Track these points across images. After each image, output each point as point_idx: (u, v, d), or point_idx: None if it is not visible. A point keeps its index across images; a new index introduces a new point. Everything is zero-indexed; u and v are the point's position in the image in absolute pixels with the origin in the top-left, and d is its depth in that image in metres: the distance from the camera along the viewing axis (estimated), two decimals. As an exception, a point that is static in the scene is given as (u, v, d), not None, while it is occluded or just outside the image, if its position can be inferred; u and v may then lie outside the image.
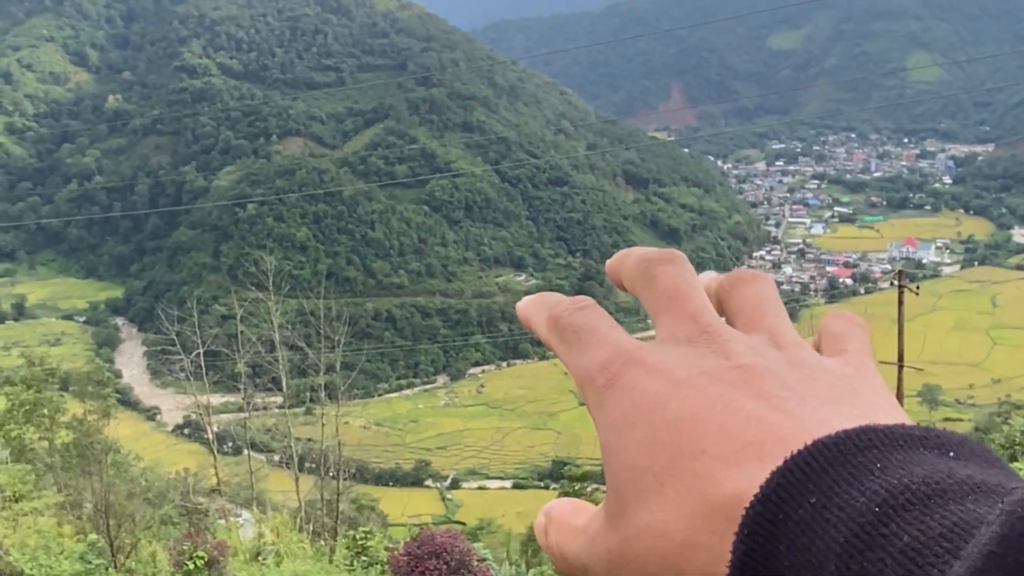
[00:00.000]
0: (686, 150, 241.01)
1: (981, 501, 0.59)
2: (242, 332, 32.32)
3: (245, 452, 38.86)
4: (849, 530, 0.58)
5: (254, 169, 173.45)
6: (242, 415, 37.42)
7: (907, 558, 0.56)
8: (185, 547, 16.52)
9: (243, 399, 35.89)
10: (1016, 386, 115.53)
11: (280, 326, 30.63)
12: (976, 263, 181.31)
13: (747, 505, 0.63)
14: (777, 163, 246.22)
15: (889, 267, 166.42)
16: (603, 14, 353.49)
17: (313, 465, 38.04)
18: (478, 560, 12.13)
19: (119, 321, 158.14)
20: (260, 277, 33.17)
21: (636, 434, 0.70)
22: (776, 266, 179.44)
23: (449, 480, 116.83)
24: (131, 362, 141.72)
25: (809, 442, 0.63)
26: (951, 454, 0.63)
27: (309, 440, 45.25)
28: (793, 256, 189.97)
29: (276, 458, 59.17)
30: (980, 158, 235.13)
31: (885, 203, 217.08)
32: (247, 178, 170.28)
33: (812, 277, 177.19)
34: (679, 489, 0.66)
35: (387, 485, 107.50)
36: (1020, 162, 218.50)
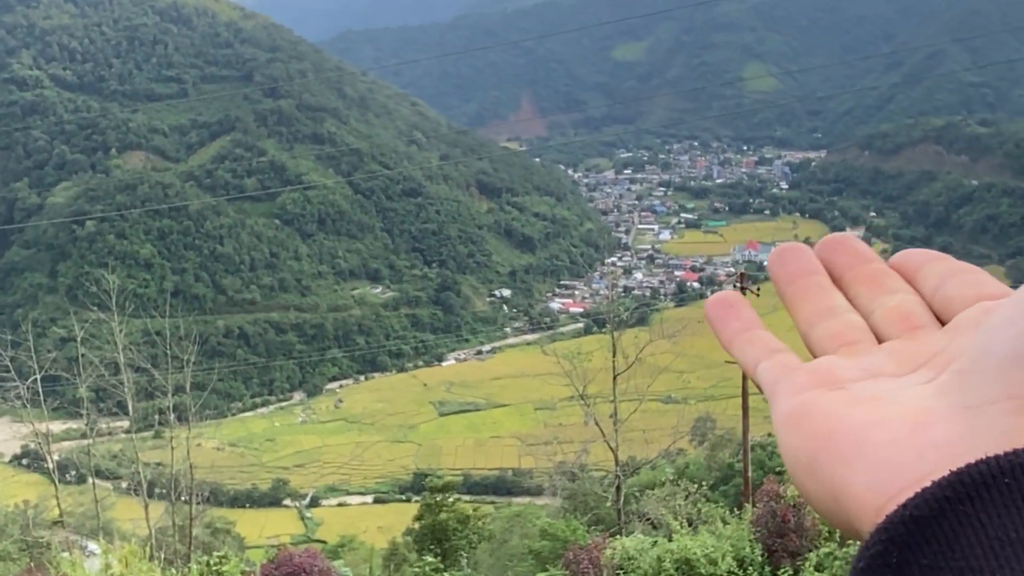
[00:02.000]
0: (537, 159, 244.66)
1: None
2: (83, 355, 30.94)
3: (90, 480, 37.19)
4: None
5: (92, 185, 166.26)
6: (86, 442, 35.81)
7: None
8: (25, 584, 15.68)
9: (86, 425, 34.37)
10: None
11: (124, 347, 29.50)
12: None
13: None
14: (625, 171, 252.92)
15: (733, 270, 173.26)
16: (452, 25, 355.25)
17: (164, 490, 36.75)
18: (338, 577, 11.97)
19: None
20: (102, 297, 31.85)
21: None
22: (627, 272, 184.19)
23: (308, 498, 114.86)
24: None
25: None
26: None
27: (159, 464, 43.61)
28: (643, 262, 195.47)
29: (124, 485, 56.75)
30: (813, 164, 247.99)
31: (727, 208, 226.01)
32: (85, 194, 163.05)
33: (661, 282, 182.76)
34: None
35: (244, 507, 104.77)
36: (850, 167, 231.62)
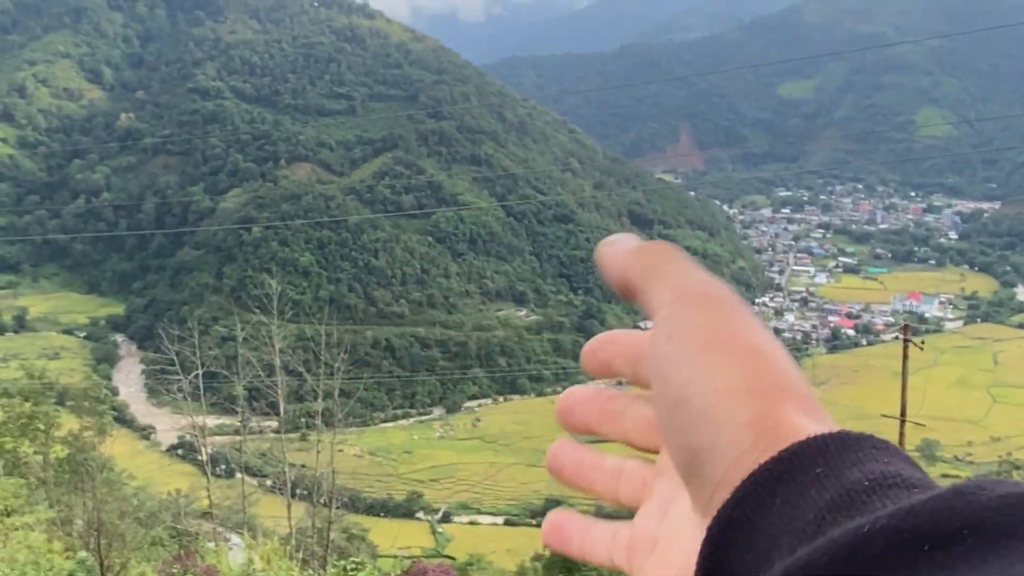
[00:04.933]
0: (692, 193, 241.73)
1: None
2: (242, 355, 32.18)
3: (238, 475, 38.57)
4: (837, 491, 0.70)
5: (261, 193, 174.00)
6: (237, 438, 37.19)
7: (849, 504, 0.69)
8: (174, 570, 16.31)
9: (240, 422, 35.69)
10: (1016, 444, 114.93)
11: (280, 350, 30.47)
12: (979, 320, 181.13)
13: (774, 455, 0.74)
14: (783, 210, 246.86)
15: (892, 319, 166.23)
16: (615, 55, 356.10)
17: (305, 492, 37.74)
18: (471, 597, 11.96)
19: (119, 338, 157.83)
20: (263, 300, 33.10)
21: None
22: (779, 313, 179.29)
23: (440, 513, 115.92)
24: (129, 379, 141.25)
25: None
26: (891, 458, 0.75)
27: (303, 466, 44.91)
28: (796, 304, 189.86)
29: (268, 483, 58.71)
30: (986, 215, 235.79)
31: (890, 255, 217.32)
32: (253, 201, 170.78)
33: (814, 326, 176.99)
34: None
35: (378, 515, 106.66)
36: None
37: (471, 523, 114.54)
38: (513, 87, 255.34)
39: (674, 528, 0.87)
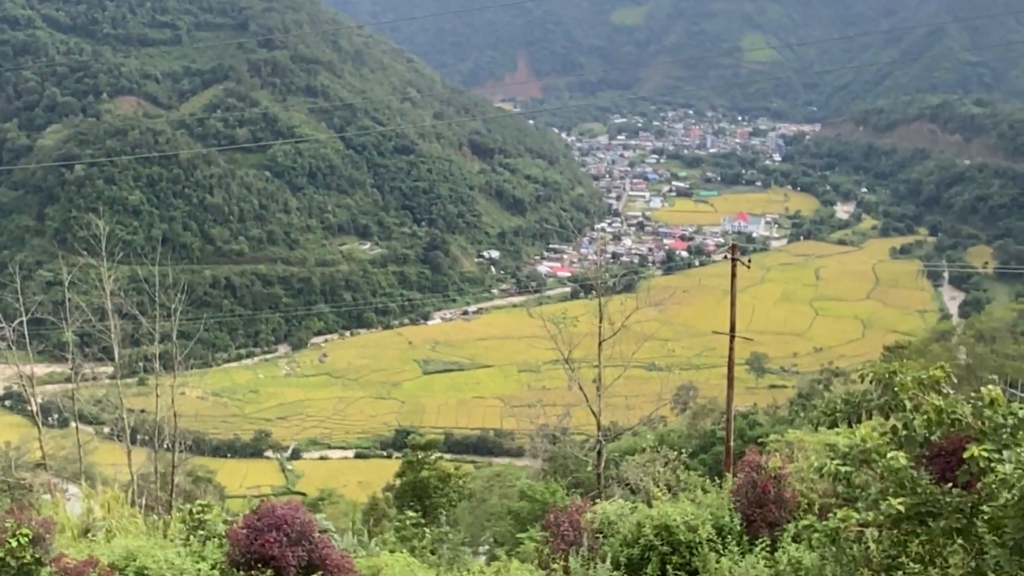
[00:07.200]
0: (531, 122, 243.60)
1: None
2: (70, 299, 30.81)
3: (73, 424, 37.24)
4: None
5: (83, 128, 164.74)
6: (70, 386, 35.74)
7: None
8: (8, 524, 15.71)
9: (71, 369, 34.28)
10: (836, 354, 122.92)
11: (112, 293, 29.34)
12: (802, 237, 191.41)
13: None
14: (619, 137, 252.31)
15: (722, 240, 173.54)
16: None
17: (146, 437, 36.78)
18: (319, 531, 12.03)
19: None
20: (90, 242, 31.65)
21: None
22: (616, 238, 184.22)
23: (290, 451, 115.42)
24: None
25: None
26: None
27: (142, 411, 43.57)
28: (633, 228, 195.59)
29: (107, 430, 56.70)
30: (808, 137, 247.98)
31: (719, 178, 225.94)
32: (75, 138, 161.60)
33: (651, 249, 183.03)
34: None
35: (225, 457, 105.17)
36: (844, 142, 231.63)
37: (321, 458, 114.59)
38: (348, 15, 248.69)
39: None
